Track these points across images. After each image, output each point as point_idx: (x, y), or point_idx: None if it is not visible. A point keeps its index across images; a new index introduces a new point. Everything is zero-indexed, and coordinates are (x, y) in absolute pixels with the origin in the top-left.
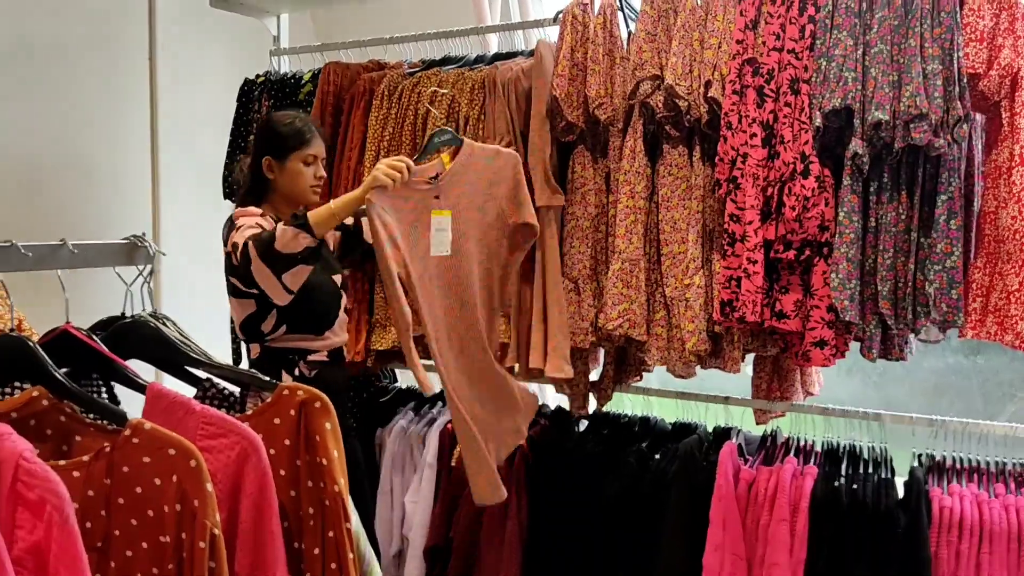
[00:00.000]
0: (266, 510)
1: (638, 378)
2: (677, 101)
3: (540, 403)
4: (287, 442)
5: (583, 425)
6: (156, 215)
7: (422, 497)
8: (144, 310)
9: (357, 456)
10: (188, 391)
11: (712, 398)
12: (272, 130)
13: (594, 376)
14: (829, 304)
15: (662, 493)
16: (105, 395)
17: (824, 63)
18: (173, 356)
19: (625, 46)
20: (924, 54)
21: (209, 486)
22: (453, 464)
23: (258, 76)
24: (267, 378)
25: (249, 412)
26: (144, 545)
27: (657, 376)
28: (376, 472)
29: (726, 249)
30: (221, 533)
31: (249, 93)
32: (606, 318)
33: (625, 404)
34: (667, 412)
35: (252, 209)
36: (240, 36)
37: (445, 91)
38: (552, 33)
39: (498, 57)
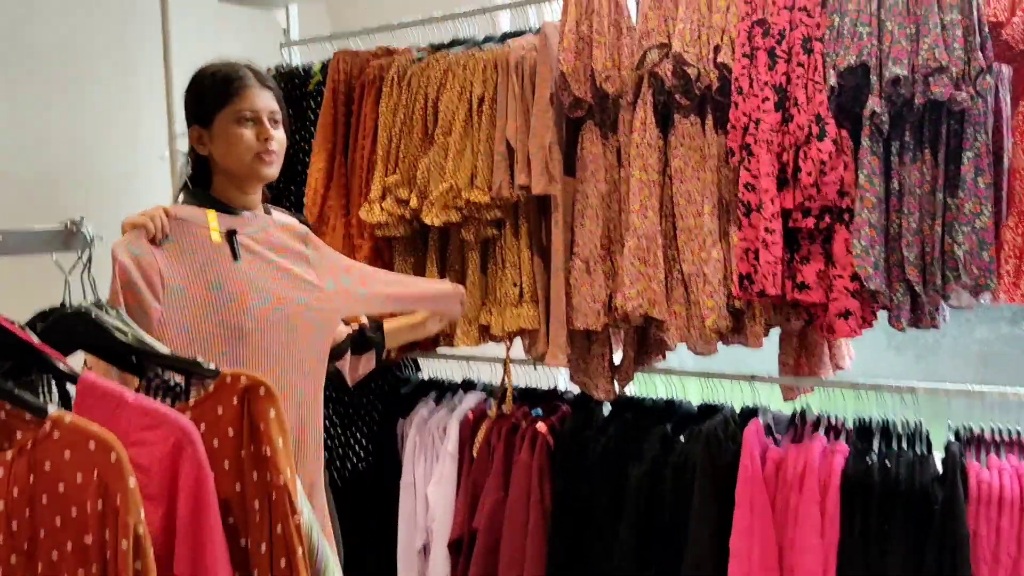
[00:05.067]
0: (204, 506)
1: (660, 358)
2: (686, 69)
3: (561, 389)
4: (230, 432)
5: (607, 410)
6: None
7: (444, 488)
8: (86, 298)
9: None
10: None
11: (737, 376)
12: (190, 91)
13: (618, 359)
14: (852, 273)
15: (687, 476)
16: (56, 390)
17: (837, 19)
18: (114, 346)
19: (633, 16)
20: (942, 4)
21: (132, 481)
22: (475, 453)
23: (268, 70)
24: (210, 365)
25: (192, 402)
26: (69, 546)
27: (681, 356)
28: (398, 463)
29: (742, 220)
30: (147, 531)
31: None
32: (624, 297)
33: (658, 385)
34: (695, 393)
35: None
36: (253, 29)
37: None
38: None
39: (507, 36)
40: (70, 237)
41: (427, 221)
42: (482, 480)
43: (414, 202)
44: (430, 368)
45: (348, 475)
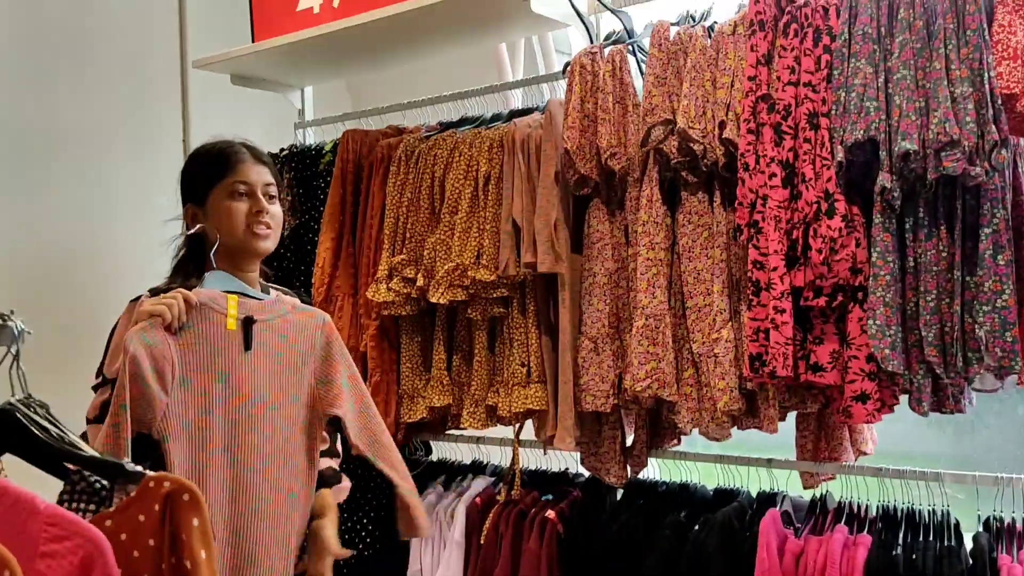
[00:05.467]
0: None
1: (675, 442)
2: (691, 145)
3: (572, 473)
4: (152, 542)
5: (620, 494)
6: None
7: None
8: (14, 395)
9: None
10: (59, 485)
11: (754, 460)
12: (185, 171)
13: (630, 441)
14: (868, 354)
15: (702, 568)
16: None
17: (843, 94)
18: (38, 447)
19: (639, 93)
20: (951, 77)
21: None
22: (482, 541)
23: (282, 150)
24: (135, 467)
25: (114, 508)
26: None
27: (696, 436)
28: (406, 551)
29: (751, 299)
30: None
31: None
32: (633, 379)
33: (684, 470)
34: (712, 476)
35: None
36: (270, 109)
37: None
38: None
39: (515, 114)
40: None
41: (433, 300)
42: (490, 568)
43: (421, 281)
44: (440, 449)
45: (355, 561)
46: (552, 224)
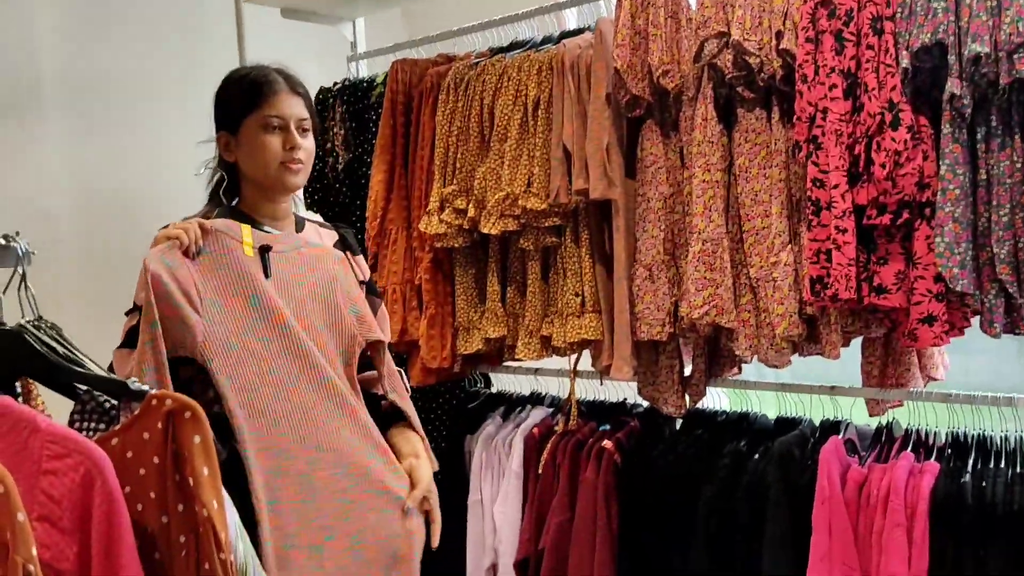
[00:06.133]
0: (116, 542)
1: (735, 371)
2: (747, 58)
3: (630, 403)
4: (156, 460)
5: (678, 424)
6: None
7: (509, 507)
8: (24, 316)
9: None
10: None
11: (816, 388)
12: (219, 96)
13: (688, 371)
14: (936, 273)
15: (761, 498)
16: None
17: None
18: (42, 366)
19: (692, 5)
20: None
21: (20, 515)
22: (540, 472)
23: (335, 84)
24: (139, 386)
25: (120, 426)
26: None
27: (757, 365)
28: (466, 480)
29: (811, 219)
30: (38, 569)
31: (324, 101)
32: (690, 305)
33: (751, 399)
34: (772, 406)
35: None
36: (323, 43)
37: None
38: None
39: (565, 35)
40: (2, 253)
41: (485, 231)
42: (548, 499)
43: (472, 212)
44: (498, 381)
45: None
46: (604, 148)
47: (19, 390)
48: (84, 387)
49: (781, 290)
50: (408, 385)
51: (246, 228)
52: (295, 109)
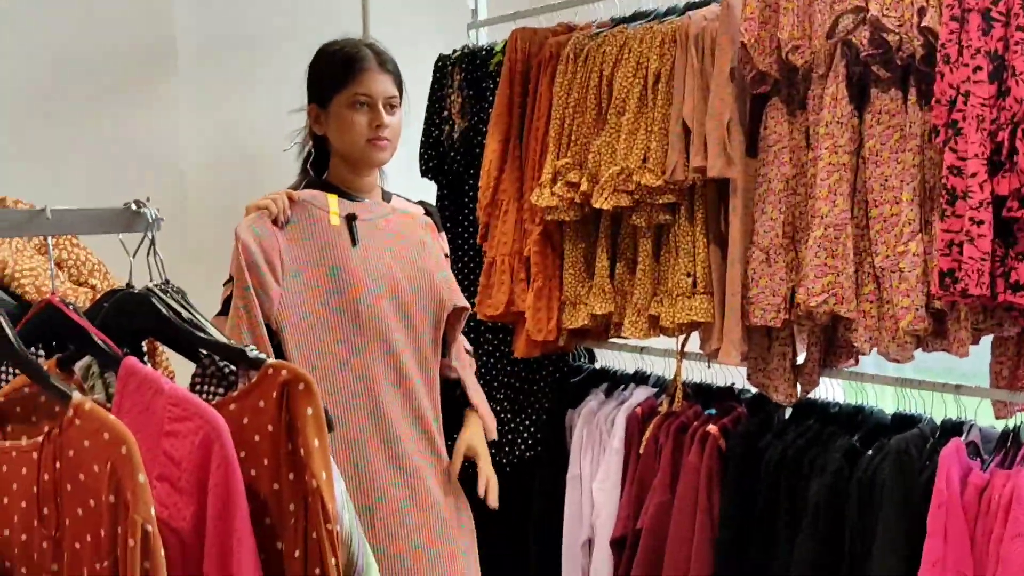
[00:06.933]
0: (231, 506)
1: (852, 362)
2: (885, 36)
3: (738, 388)
4: (270, 428)
5: (787, 414)
6: None
7: (609, 485)
8: (152, 280)
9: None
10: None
11: (939, 385)
12: (311, 69)
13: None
14: None
15: (874, 496)
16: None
17: None
18: (167, 331)
19: None
20: None
21: (141, 476)
22: (641, 451)
23: (454, 51)
24: (256, 354)
25: (238, 392)
26: (88, 538)
27: (876, 357)
28: (566, 454)
29: (945, 209)
30: (156, 530)
31: (443, 69)
32: (808, 293)
33: (867, 392)
34: (890, 401)
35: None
36: (444, 9)
37: None
38: None
39: (691, 7)
40: (133, 218)
41: (597, 205)
42: (648, 479)
43: (585, 186)
44: (603, 357)
45: (516, 461)
46: (725, 125)
47: (144, 349)
48: (205, 352)
49: (908, 281)
50: (473, 358)
51: (332, 198)
52: (383, 87)
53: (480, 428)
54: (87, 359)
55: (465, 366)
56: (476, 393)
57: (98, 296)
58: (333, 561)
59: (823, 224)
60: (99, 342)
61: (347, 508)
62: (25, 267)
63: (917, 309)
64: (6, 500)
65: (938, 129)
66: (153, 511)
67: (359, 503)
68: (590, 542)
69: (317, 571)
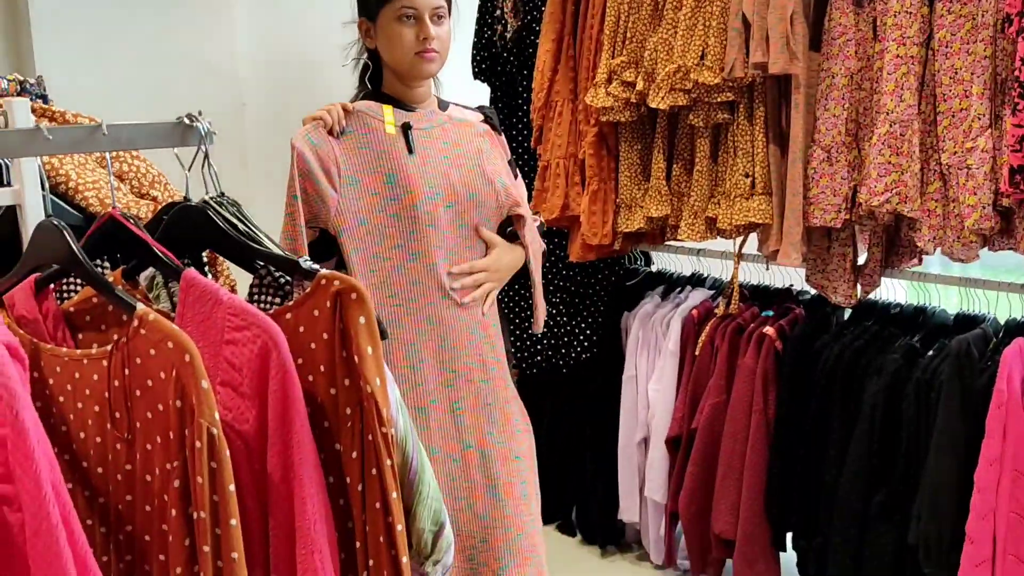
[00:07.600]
0: (290, 410)
1: (914, 262)
2: None
3: (796, 290)
4: (325, 336)
5: (846, 315)
6: None
7: (664, 386)
8: (207, 193)
9: None
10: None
11: (1005, 285)
12: None
13: (862, 260)
14: None
15: (932, 396)
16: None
17: None
18: (228, 242)
19: None
20: None
21: (204, 383)
22: (697, 353)
23: None
24: (311, 265)
25: (293, 302)
26: (158, 439)
27: (941, 257)
28: (622, 356)
29: (1017, 102)
30: (221, 432)
31: None
32: (870, 191)
33: (931, 292)
34: (953, 302)
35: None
36: None
37: None
38: None
39: None
40: (187, 132)
41: (653, 105)
42: (703, 380)
43: (640, 85)
44: (659, 260)
45: (572, 363)
46: (788, 18)
47: (205, 260)
48: (261, 263)
49: (975, 178)
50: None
51: (387, 108)
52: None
53: (518, 252)
54: (151, 270)
55: (537, 257)
56: (535, 241)
57: (159, 207)
58: (388, 462)
59: (888, 120)
60: (160, 254)
61: (401, 412)
62: (88, 180)
63: (984, 207)
64: (80, 405)
65: (1011, 18)
66: (217, 415)
67: (414, 404)
68: (645, 441)
69: (373, 471)
